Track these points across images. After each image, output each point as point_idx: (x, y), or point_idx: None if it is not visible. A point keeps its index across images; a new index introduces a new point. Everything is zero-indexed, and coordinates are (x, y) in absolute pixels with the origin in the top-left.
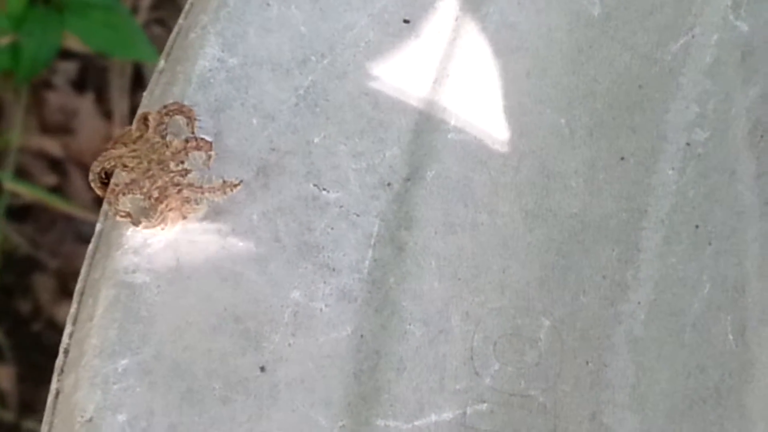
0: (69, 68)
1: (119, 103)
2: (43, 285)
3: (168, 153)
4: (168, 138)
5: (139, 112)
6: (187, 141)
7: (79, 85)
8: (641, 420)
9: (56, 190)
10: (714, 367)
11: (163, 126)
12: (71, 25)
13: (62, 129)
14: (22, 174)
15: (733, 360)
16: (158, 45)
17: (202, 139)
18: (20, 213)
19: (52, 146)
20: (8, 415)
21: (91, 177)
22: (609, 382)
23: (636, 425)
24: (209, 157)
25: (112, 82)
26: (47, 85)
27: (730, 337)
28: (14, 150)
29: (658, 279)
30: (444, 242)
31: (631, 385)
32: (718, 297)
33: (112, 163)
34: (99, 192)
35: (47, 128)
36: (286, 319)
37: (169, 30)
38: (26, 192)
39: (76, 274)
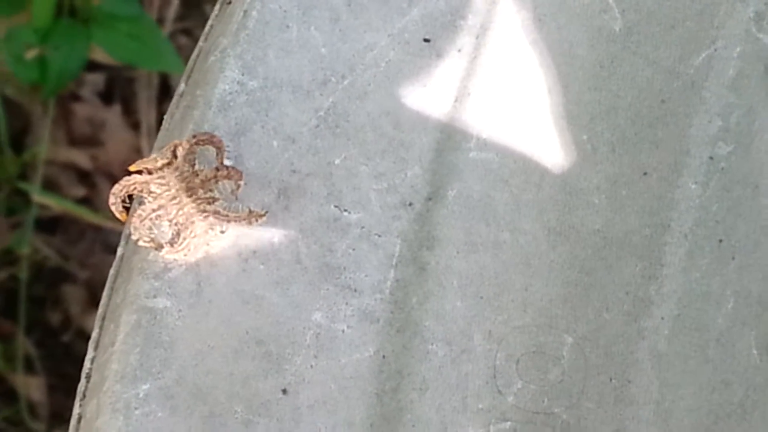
0: (96, 80)
1: (146, 114)
2: (73, 296)
3: (197, 181)
4: (197, 167)
5: (162, 136)
6: (218, 170)
7: (107, 96)
8: None
9: (84, 201)
10: (739, 383)
11: (193, 156)
12: (97, 38)
13: (90, 141)
14: (50, 186)
15: (758, 375)
16: (184, 55)
17: (233, 168)
18: (49, 225)
19: (80, 158)
20: (39, 426)
21: (112, 200)
22: (633, 398)
23: None
24: (238, 186)
25: (139, 93)
26: (74, 97)
27: (755, 352)
28: (42, 162)
29: (682, 294)
30: (466, 261)
31: (656, 401)
32: (742, 312)
33: (139, 189)
34: (120, 216)
35: (75, 140)
36: (308, 341)
37: (196, 40)
38: (55, 204)
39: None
